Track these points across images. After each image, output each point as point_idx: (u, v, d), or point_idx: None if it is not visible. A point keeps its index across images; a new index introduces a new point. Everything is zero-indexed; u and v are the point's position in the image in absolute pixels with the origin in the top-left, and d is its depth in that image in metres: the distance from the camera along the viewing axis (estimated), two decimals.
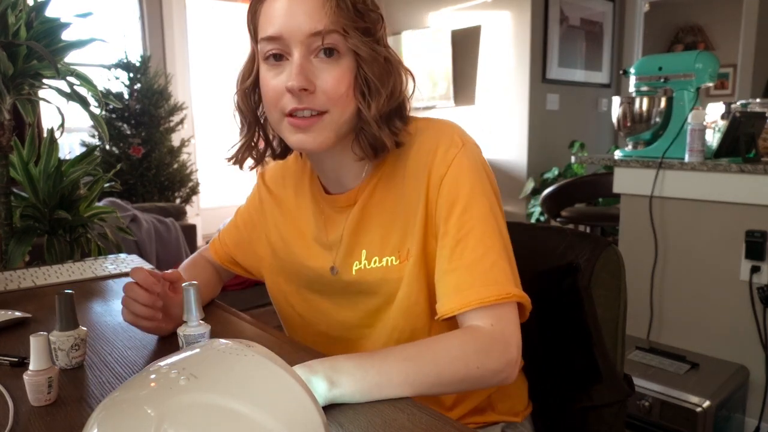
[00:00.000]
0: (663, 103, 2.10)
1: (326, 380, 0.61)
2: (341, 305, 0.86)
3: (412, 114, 0.83)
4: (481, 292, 0.72)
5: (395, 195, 0.81)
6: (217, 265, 1.04)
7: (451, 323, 0.76)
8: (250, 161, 0.88)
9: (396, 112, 0.78)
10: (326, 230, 0.86)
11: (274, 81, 0.75)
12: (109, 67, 3.73)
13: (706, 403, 1.67)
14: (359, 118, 0.77)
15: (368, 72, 0.75)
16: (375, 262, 0.81)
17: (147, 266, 1.24)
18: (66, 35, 1.48)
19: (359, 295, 0.84)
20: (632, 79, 2.17)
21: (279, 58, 0.74)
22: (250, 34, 0.79)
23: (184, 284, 0.76)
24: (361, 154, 0.79)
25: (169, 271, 0.86)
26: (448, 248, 0.75)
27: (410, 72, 0.80)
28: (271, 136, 0.86)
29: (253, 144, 0.85)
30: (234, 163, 0.87)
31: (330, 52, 0.73)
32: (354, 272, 0.83)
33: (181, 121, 4.03)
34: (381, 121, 0.76)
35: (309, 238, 0.88)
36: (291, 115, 0.74)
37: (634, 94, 2.15)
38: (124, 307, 0.80)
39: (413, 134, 0.81)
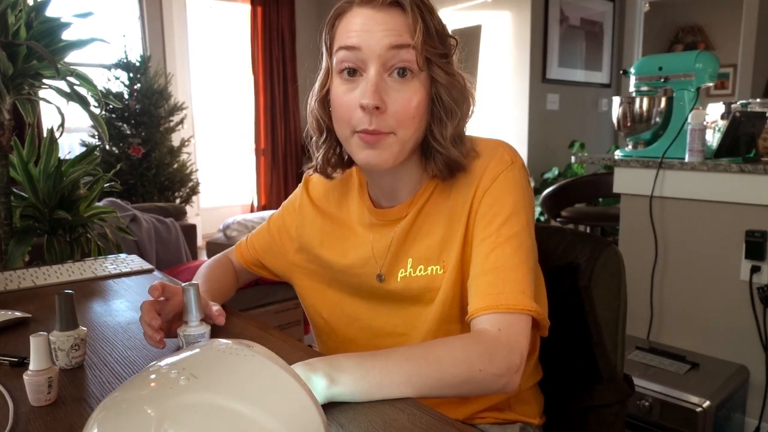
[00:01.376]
0: (663, 103, 2.10)
1: (326, 378, 0.61)
2: (380, 311, 0.88)
3: None
4: (510, 298, 0.73)
5: (444, 208, 0.83)
6: (239, 269, 1.05)
7: None
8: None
9: (463, 133, 0.81)
10: (373, 240, 0.87)
11: (347, 96, 0.76)
12: (109, 67, 3.74)
13: (706, 403, 1.67)
14: (430, 138, 0.79)
15: (446, 95, 0.77)
16: (420, 270, 0.83)
17: (146, 266, 1.25)
18: (66, 35, 1.48)
19: (401, 302, 0.86)
20: (632, 79, 2.17)
21: (353, 73, 0.76)
22: (326, 46, 0.80)
23: (184, 284, 0.76)
24: (434, 173, 0.81)
25: (215, 309, 0.84)
26: (484, 254, 0.77)
27: (474, 97, 0.83)
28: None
29: (330, 154, 0.87)
30: (320, 173, 0.89)
31: (403, 71, 0.75)
32: (399, 280, 0.85)
33: (181, 121, 4.03)
34: (456, 142, 0.79)
35: (351, 247, 0.90)
36: (362, 131, 0.76)
37: (634, 94, 2.15)
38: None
39: (476, 153, 0.82)
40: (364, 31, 0.74)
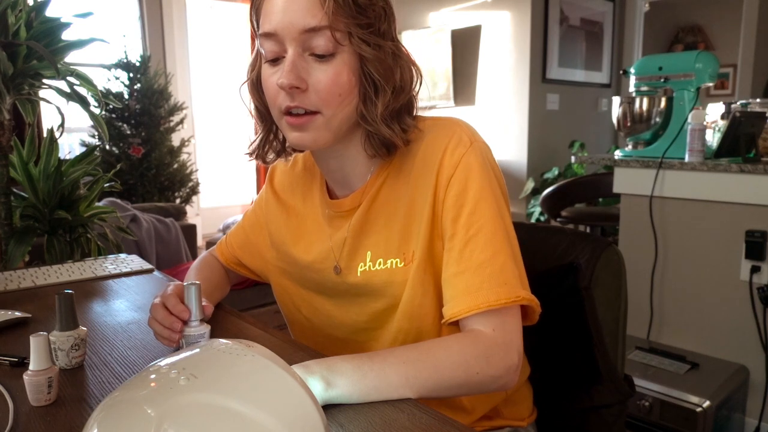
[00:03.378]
0: (663, 103, 2.10)
1: (323, 381, 0.61)
2: (347, 308, 0.86)
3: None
4: (490, 295, 0.70)
5: (401, 195, 0.79)
6: (224, 266, 1.05)
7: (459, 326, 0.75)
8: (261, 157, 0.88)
9: (405, 108, 0.77)
10: (332, 233, 0.85)
11: (271, 78, 0.74)
12: (109, 67, 3.73)
13: (706, 403, 1.67)
14: (364, 116, 0.75)
15: (372, 70, 0.73)
16: (380, 264, 0.80)
17: (147, 266, 1.25)
18: (66, 35, 1.48)
19: (364, 297, 0.83)
20: (632, 79, 2.17)
21: (277, 59, 0.73)
22: (254, 29, 0.77)
23: (185, 284, 0.76)
24: (373, 153, 0.78)
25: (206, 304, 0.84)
26: (457, 250, 0.74)
27: (418, 67, 0.78)
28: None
29: (271, 138, 0.85)
30: (257, 159, 0.87)
31: (324, 49, 0.71)
32: (359, 274, 0.82)
33: (181, 121, 4.03)
34: (389, 119, 0.75)
35: (315, 241, 0.88)
36: (288, 113, 0.74)
37: (634, 94, 2.15)
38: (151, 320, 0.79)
39: (423, 132, 0.79)
40: (281, 14, 0.71)
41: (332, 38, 0.70)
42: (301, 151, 0.90)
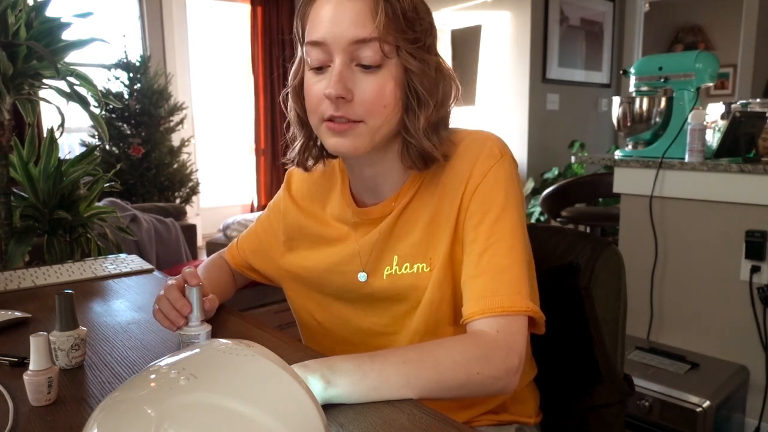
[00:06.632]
0: (663, 103, 2.10)
1: (323, 380, 0.61)
2: (366, 312, 0.86)
3: None
4: (505, 301, 0.72)
5: (431, 203, 0.81)
6: (233, 270, 1.04)
7: None
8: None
9: (442, 122, 0.79)
10: (357, 238, 0.85)
11: (316, 86, 0.75)
12: (109, 67, 3.74)
13: (706, 403, 1.67)
14: (405, 128, 0.77)
15: (417, 83, 0.75)
16: (406, 268, 0.81)
17: (147, 266, 1.25)
18: (66, 35, 1.48)
19: (387, 301, 0.84)
20: (632, 79, 2.17)
21: (322, 67, 0.74)
22: (298, 36, 0.78)
23: (186, 286, 0.76)
24: (409, 164, 0.79)
25: (210, 296, 0.87)
26: (476, 254, 0.75)
27: (457, 82, 0.80)
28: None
29: (311, 145, 0.85)
30: (297, 165, 0.87)
31: (371, 61, 0.72)
32: (385, 277, 0.83)
33: (181, 121, 4.03)
34: (429, 132, 0.77)
35: (337, 246, 0.88)
36: (329, 120, 0.75)
37: (634, 94, 2.15)
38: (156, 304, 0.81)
39: (455, 144, 0.81)
40: (330, 23, 0.72)
41: (380, 50, 0.72)
42: (335, 157, 0.89)
